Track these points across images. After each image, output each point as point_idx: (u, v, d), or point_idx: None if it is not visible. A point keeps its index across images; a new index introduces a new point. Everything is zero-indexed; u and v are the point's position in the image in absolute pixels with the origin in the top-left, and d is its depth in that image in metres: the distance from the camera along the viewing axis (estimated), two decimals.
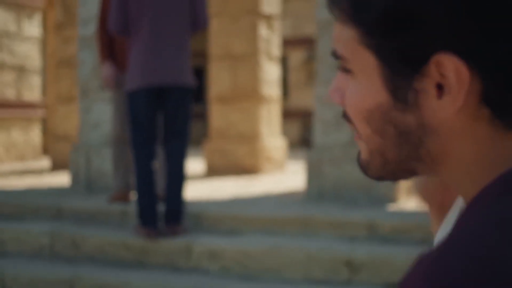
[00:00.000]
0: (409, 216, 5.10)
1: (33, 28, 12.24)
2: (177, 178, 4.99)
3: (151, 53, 4.90)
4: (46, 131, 14.84)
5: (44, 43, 14.50)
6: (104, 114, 6.92)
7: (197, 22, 5.14)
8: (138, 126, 4.96)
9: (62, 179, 8.51)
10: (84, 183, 6.89)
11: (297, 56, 19.56)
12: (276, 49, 9.36)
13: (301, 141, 18.70)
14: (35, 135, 12.40)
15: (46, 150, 14.74)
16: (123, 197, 5.94)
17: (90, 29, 7.03)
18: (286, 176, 8.62)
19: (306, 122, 18.79)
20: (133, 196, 6.12)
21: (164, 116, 5.06)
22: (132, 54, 4.99)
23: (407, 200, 5.95)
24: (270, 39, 9.23)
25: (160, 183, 5.87)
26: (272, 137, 9.23)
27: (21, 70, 12.03)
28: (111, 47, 5.92)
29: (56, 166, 10.20)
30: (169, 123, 5.04)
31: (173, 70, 4.97)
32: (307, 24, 19.45)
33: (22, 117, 12.06)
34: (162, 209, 5.53)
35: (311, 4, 19.20)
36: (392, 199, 5.71)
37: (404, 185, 5.90)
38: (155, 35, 4.92)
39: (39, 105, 12.41)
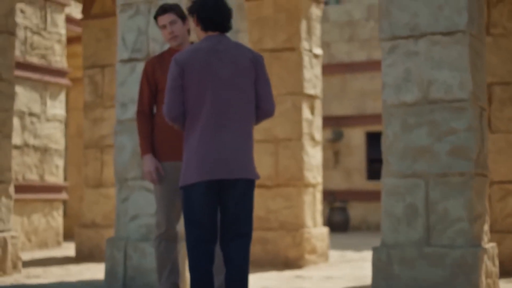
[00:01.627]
0: None
1: (57, 108, 11.78)
2: (239, 286, 4.34)
3: (212, 142, 4.33)
4: (67, 215, 14.24)
5: (66, 123, 14.08)
6: (144, 204, 6.32)
7: (263, 108, 4.58)
8: (196, 224, 4.34)
9: (93, 273, 7.86)
10: (121, 281, 6.24)
11: (323, 135, 19.01)
12: (318, 132, 8.82)
13: (327, 222, 18.02)
14: (58, 219, 11.80)
15: (66, 235, 14.10)
16: None
17: (129, 112, 6.51)
18: (333, 269, 7.94)
19: (331, 202, 18.14)
20: None
21: (223, 212, 4.45)
22: (188, 143, 4.42)
23: None
24: (313, 121, 8.70)
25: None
26: (316, 225, 8.60)
27: (44, 151, 11.52)
28: (152, 133, 5.36)
29: (81, 255, 9.56)
30: (230, 220, 4.41)
31: (237, 161, 4.38)
32: (333, 103, 18.99)
33: (45, 200, 11.49)
34: None
35: (335, 84, 18.80)
36: None
37: None
38: (216, 121, 4.36)
39: (62, 188, 11.85)
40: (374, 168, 18.62)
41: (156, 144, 5.34)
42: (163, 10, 5.22)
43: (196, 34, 4.52)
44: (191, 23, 4.55)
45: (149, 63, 5.29)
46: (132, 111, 6.49)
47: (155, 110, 5.42)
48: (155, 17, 5.24)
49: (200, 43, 4.30)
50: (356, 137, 18.76)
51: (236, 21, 6.29)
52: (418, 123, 5.44)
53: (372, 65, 18.38)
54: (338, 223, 17.71)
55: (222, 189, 4.44)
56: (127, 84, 6.50)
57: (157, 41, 6.35)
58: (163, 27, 5.23)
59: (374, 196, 18.30)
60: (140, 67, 6.42)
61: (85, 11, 9.74)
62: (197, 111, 4.34)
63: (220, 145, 4.36)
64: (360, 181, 18.54)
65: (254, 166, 4.39)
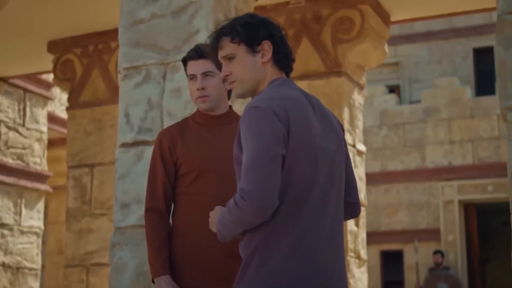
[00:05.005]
0: None
1: (34, 218, 9.95)
2: None
3: (323, 256, 2.58)
4: None
5: (44, 237, 12.24)
6: None
7: (351, 204, 2.90)
8: None
9: None
10: None
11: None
12: (364, 249, 6.98)
13: None
14: None
15: None
16: None
17: (133, 216, 4.64)
18: None
19: None
20: None
21: None
22: (277, 249, 2.65)
23: None
24: (358, 234, 6.88)
25: None
26: None
27: (16, 271, 9.59)
28: (169, 243, 3.47)
29: None
30: None
31: (340, 271, 2.73)
32: None
33: None
34: None
35: None
36: None
37: None
38: (322, 219, 2.65)
39: None
40: None
41: (174, 262, 3.45)
42: (198, 53, 3.46)
43: (251, 71, 2.84)
44: (240, 51, 2.82)
45: (166, 134, 3.49)
46: (137, 214, 4.63)
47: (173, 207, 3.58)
48: (184, 61, 3.49)
49: (284, 89, 2.76)
50: (370, 256, 16.81)
51: None
52: None
53: (386, 177, 16.65)
54: None
55: None
56: (131, 177, 4.68)
57: (174, 117, 4.56)
58: (193, 78, 3.47)
59: None
60: (149, 152, 4.61)
61: (72, 98, 8.03)
62: (298, 200, 2.64)
63: (325, 251, 2.64)
64: None
65: None
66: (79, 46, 7.97)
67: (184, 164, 3.40)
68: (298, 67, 6.76)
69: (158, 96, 4.67)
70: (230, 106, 3.56)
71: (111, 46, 7.81)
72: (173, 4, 4.69)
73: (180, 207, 3.42)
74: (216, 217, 2.72)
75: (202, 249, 3.33)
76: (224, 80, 2.86)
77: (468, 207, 14.85)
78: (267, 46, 2.77)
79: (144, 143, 4.68)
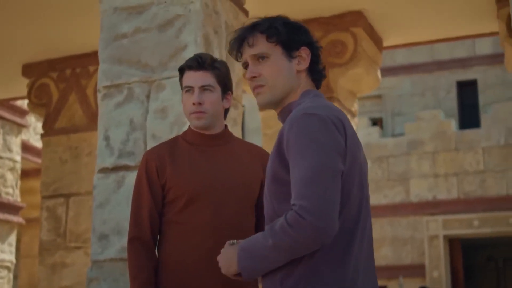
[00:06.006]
0: None
1: (5, 252, 9.49)
2: None
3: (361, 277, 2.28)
4: None
5: (16, 272, 11.75)
6: None
7: None
8: None
9: None
10: None
11: None
12: None
13: None
14: None
15: None
16: None
17: (113, 248, 4.22)
18: None
19: None
20: None
21: None
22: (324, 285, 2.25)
23: None
24: None
25: None
26: None
27: None
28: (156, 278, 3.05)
29: None
30: None
31: None
32: None
33: None
34: None
35: None
36: None
37: None
38: (368, 251, 2.37)
39: None
40: None
41: None
42: (199, 63, 3.06)
43: (285, 77, 2.45)
44: (276, 53, 2.42)
45: (153, 154, 3.08)
46: (117, 246, 4.21)
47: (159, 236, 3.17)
48: (181, 71, 3.11)
49: (326, 102, 2.43)
50: None
51: None
52: None
53: None
54: None
55: None
56: (111, 206, 4.27)
57: (159, 139, 4.16)
58: (189, 90, 3.08)
59: None
60: (131, 178, 4.20)
61: (47, 124, 7.62)
62: (350, 228, 2.27)
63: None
64: None
65: None
66: (56, 70, 7.59)
67: (173, 188, 3.00)
68: None
69: (141, 117, 4.28)
70: (226, 126, 3.18)
71: (89, 70, 7.44)
72: (158, 18, 4.33)
73: (168, 238, 3.01)
74: (231, 254, 2.29)
75: (197, 283, 2.92)
76: (252, 82, 2.42)
77: (453, 242, 14.55)
78: (305, 54, 2.41)
79: (126, 168, 4.27)
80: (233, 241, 2.37)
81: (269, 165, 2.30)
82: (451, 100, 16.72)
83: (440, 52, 16.74)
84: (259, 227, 3.11)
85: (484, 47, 16.28)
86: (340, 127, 2.22)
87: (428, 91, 16.93)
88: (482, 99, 16.34)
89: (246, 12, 4.82)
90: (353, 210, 2.21)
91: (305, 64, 2.41)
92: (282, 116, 2.41)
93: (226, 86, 3.08)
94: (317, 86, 2.48)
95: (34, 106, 7.76)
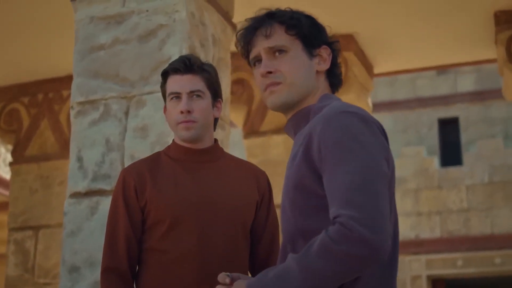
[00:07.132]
0: None
1: None
2: None
3: None
4: None
5: None
6: None
7: None
8: None
9: None
10: None
11: None
12: None
13: None
14: None
15: None
16: None
17: (84, 282, 3.77)
18: None
19: None
20: None
21: None
22: None
23: None
24: None
25: None
26: None
27: None
28: None
29: None
30: None
31: None
32: None
33: None
34: None
35: None
36: None
37: None
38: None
39: None
40: None
41: None
42: (187, 66, 2.66)
43: (306, 75, 2.10)
44: (297, 47, 2.09)
45: (131, 172, 2.69)
46: (89, 280, 3.77)
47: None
48: (164, 75, 2.71)
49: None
50: None
51: None
52: None
53: None
54: None
55: None
56: (83, 235, 3.84)
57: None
58: (175, 97, 2.68)
59: None
60: (106, 204, 3.77)
61: (17, 152, 7.21)
62: (392, 246, 1.92)
63: None
64: None
65: None
66: (27, 95, 7.24)
67: (154, 211, 2.59)
68: (274, 119, 6.05)
69: (119, 136, 3.86)
70: (216, 140, 2.77)
71: (62, 95, 7.07)
72: (140, 28, 3.94)
73: (148, 268, 2.60)
74: None
75: None
76: (266, 78, 2.04)
77: (436, 283, 14.22)
78: (326, 54, 2.08)
79: (100, 192, 3.84)
80: (227, 274, 1.95)
81: (291, 173, 1.92)
82: (433, 137, 16.51)
83: (422, 89, 16.58)
84: (254, 255, 2.71)
85: (466, 84, 16.15)
86: (381, 129, 1.90)
87: (410, 128, 16.70)
88: (464, 136, 16.14)
89: (234, 26, 4.45)
90: (392, 224, 1.82)
91: (326, 65, 2.07)
92: (295, 121, 2.04)
93: (216, 92, 2.69)
94: (333, 91, 2.13)
95: (3, 132, 7.37)
